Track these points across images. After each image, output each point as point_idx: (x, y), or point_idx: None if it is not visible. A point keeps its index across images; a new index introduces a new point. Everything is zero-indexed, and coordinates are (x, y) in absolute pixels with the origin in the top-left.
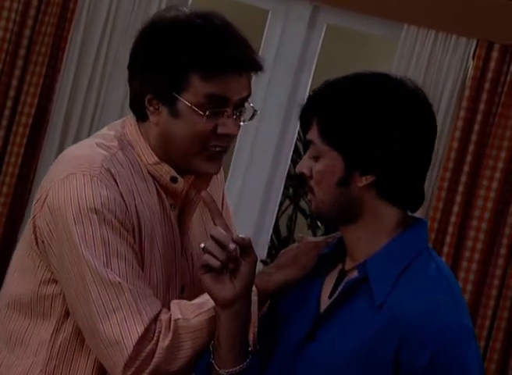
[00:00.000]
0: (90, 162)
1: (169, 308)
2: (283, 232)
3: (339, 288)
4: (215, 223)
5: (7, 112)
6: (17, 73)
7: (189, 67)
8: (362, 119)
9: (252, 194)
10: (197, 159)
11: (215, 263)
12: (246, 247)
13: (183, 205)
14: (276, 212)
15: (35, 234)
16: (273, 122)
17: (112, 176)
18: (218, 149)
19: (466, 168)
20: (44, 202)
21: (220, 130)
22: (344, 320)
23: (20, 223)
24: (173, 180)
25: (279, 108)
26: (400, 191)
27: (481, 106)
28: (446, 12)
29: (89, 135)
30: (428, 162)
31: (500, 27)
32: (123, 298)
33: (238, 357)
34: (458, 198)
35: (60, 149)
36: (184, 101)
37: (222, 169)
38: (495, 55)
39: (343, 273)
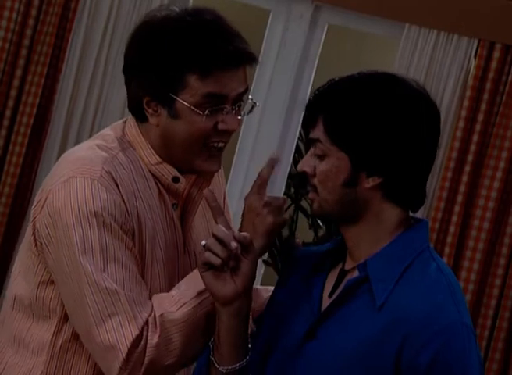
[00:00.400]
0: (91, 165)
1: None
2: (285, 231)
3: (340, 287)
4: (216, 222)
5: (8, 112)
6: (19, 72)
7: (184, 67)
8: (372, 120)
9: None
10: (198, 159)
11: (216, 261)
12: (247, 245)
13: (185, 204)
14: None
15: (34, 236)
16: (274, 121)
17: (113, 178)
18: (219, 145)
19: (467, 168)
20: (44, 205)
21: (220, 126)
22: (345, 319)
23: (22, 224)
24: (175, 180)
25: (280, 107)
26: (406, 192)
27: (483, 106)
28: (447, 11)
29: (90, 135)
30: (433, 162)
31: (502, 27)
32: (119, 304)
33: (238, 354)
34: (459, 198)
35: (61, 149)
36: (182, 102)
37: (222, 169)
38: (496, 54)
39: (343, 273)
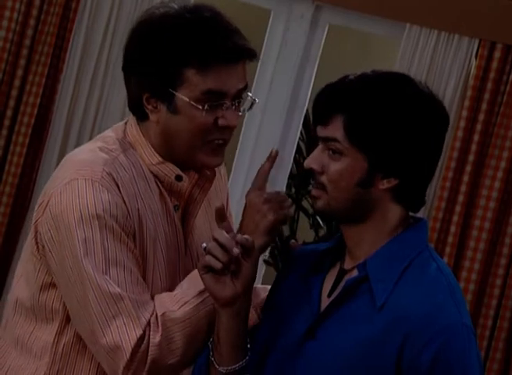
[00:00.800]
0: (92, 167)
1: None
2: (286, 231)
3: (339, 287)
4: (219, 226)
5: (9, 112)
6: (19, 73)
7: (183, 62)
8: (394, 122)
9: None
10: (200, 153)
11: (217, 265)
12: (249, 248)
13: (186, 206)
14: None
15: (36, 239)
16: (275, 121)
17: (114, 180)
18: (220, 142)
19: (468, 167)
20: (46, 208)
21: (221, 122)
22: (344, 319)
23: (22, 224)
24: (178, 178)
25: (281, 107)
26: (414, 193)
27: (484, 106)
28: (448, 11)
29: (91, 135)
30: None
31: (503, 27)
32: (122, 305)
33: (237, 354)
34: (460, 198)
35: (62, 149)
36: (182, 97)
37: (225, 168)
38: (497, 54)
39: (342, 272)
